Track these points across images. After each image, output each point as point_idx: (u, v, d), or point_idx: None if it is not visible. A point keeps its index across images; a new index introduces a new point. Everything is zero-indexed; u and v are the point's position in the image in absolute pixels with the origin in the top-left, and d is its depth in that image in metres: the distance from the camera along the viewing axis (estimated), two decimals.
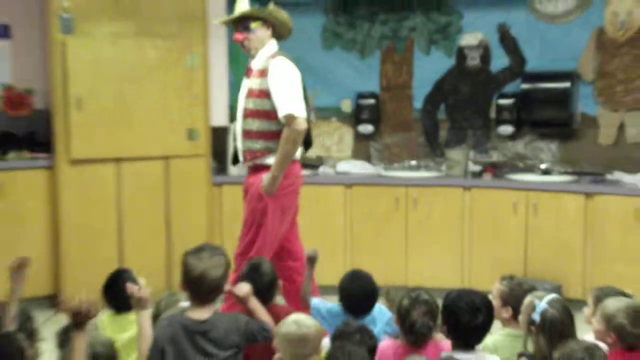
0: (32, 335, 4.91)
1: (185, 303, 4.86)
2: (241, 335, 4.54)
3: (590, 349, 4.19)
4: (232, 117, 8.80)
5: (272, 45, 6.19)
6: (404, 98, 8.90)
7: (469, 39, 8.58)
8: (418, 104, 8.82)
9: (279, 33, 6.34)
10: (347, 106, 8.96)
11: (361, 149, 9.04)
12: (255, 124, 6.19)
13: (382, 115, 8.90)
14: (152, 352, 4.53)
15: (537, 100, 8.30)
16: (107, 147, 7.90)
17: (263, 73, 6.16)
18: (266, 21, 6.20)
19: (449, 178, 8.42)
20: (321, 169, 8.75)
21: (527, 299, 4.74)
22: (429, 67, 8.77)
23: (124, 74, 7.85)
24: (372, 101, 8.80)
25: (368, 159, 8.91)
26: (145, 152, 8.02)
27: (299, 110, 5.93)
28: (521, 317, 4.76)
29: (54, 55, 7.72)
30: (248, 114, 6.22)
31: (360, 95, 8.80)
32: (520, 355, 4.67)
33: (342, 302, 5.53)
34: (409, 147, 8.96)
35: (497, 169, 8.38)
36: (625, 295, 4.91)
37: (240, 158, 6.44)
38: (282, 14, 6.32)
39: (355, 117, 8.86)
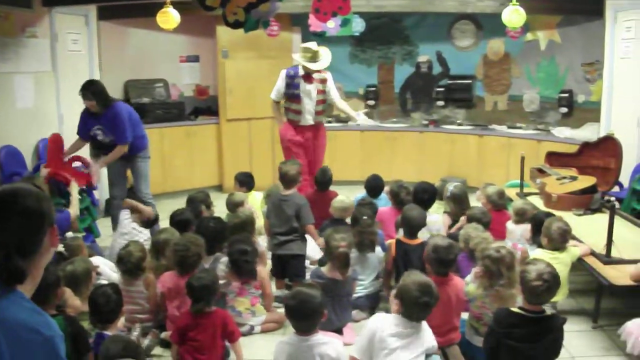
0: (209, 204, 5.72)
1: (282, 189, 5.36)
2: (303, 205, 5.09)
3: (485, 212, 5.11)
4: None
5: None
6: (390, 87, 9.61)
7: (422, 58, 9.39)
8: (396, 90, 9.58)
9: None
10: (361, 91, 9.58)
11: (368, 112, 9.12)
12: (323, 107, 6.68)
13: (379, 96, 9.56)
14: (268, 206, 5.30)
15: (455, 88, 9.18)
16: (244, 113, 8.70)
17: (323, 81, 6.64)
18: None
19: (412, 127, 9.14)
20: (349, 123, 9.05)
21: (445, 186, 5.80)
22: (402, 72, 9.52)
23: (252, 76, 8.57)
24: (374, 89, 9.48)
25: (372, 117, 9.40)
26: (262, 115, 8.57)
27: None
28: (444, 196, 5.75)
29: (219, 68, 8.67)
30: (320, 102, 6.62)
31: (368, 86, 9.52)
32: (444, 212, 5.66)
33: (367, 188, 6.07)
34: (393, 112, 9.60)
35: (436, 123, 9.11)
36: (494, 184, 5.83)
37: (312, 122, 6.61)
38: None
39: (365, 97, 9.52)
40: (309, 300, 3.27)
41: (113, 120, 5.84)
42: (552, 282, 3.22)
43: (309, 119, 6.62)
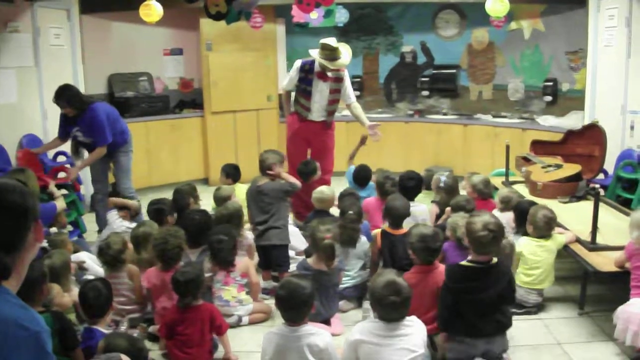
0: (196, 196, 5.65)
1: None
2: (280, 189, 5.06)
3: (469, 199, 5.05)
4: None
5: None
6: (374, 78, 9.65)
7: (406, 48, 9.41)
8: (381, 80, 9.61)
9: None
10: None
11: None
12: (334, 106, 6.44)
13: (363, 86, 9.55)
14: (247, 198, 5.21)
15: (439, 78, 9.18)
16: (229, 105, 8.71)
17: (338, 80, 6.31)
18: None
19: (397, 117, 9.23)
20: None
21: (435, 176, 5.72)
22: (387, 62, 9.54)
23: (236, 69, 8.63)
24: (359, 79, 9.43)
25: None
26: (247, 107, 8.76)
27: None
28: (432, 185, 5.69)
29: (203, 61, 8.65)
30: (332, 102, 6.36)
31: (353, 76, 8.64)
32: (432, 201, 5.59)
33: (354, 179, 6.10)
34: (378, 102, 9.61)
35: (421, 113, 9.18)
36: (479, 174, 5.79)
37: (320, 119, 6.34)
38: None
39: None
40: (299, 291, 3.26)
41: (91, 124, 5.81)
42: (497, 231, 3.36)
43: (316, 117, 6.36)
